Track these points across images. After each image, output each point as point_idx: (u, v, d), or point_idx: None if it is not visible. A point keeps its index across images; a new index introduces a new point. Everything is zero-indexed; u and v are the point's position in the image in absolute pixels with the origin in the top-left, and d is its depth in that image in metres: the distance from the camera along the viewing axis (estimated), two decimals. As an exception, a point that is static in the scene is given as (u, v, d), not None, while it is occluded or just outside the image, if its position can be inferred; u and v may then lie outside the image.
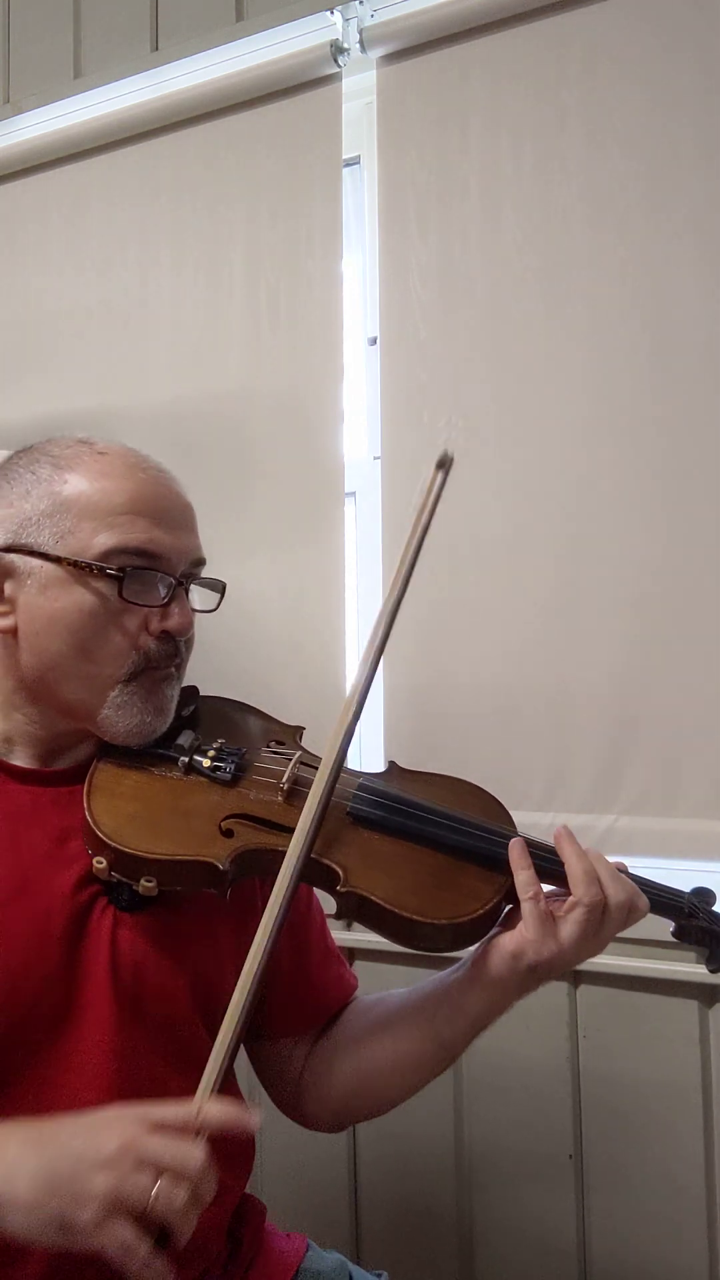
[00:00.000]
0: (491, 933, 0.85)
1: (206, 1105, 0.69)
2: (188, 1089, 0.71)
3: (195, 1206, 0.65)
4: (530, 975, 0.82)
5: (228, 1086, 0.90)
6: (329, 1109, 0.96)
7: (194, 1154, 0.65)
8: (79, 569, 0.82)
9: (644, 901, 0.84)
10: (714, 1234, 1.25)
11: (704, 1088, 1.26)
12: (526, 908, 0.81)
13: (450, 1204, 1.39)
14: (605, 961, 1.26)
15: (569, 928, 0.80)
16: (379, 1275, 1.00)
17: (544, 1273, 1.33)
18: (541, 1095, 1.34)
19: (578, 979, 1.32)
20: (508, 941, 0.82)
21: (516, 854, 0.83)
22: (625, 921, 0.83)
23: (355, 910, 0.82)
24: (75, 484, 0.83)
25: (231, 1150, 0.90)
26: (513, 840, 0.84)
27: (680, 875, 1.28)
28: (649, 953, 1.24)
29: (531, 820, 1.31)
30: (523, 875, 0.82)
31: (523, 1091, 1.35)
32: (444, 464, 0.86)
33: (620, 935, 0.84)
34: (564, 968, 0.82)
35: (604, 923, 0.81)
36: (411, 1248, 1.41)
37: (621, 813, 1.31)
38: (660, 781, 1.29)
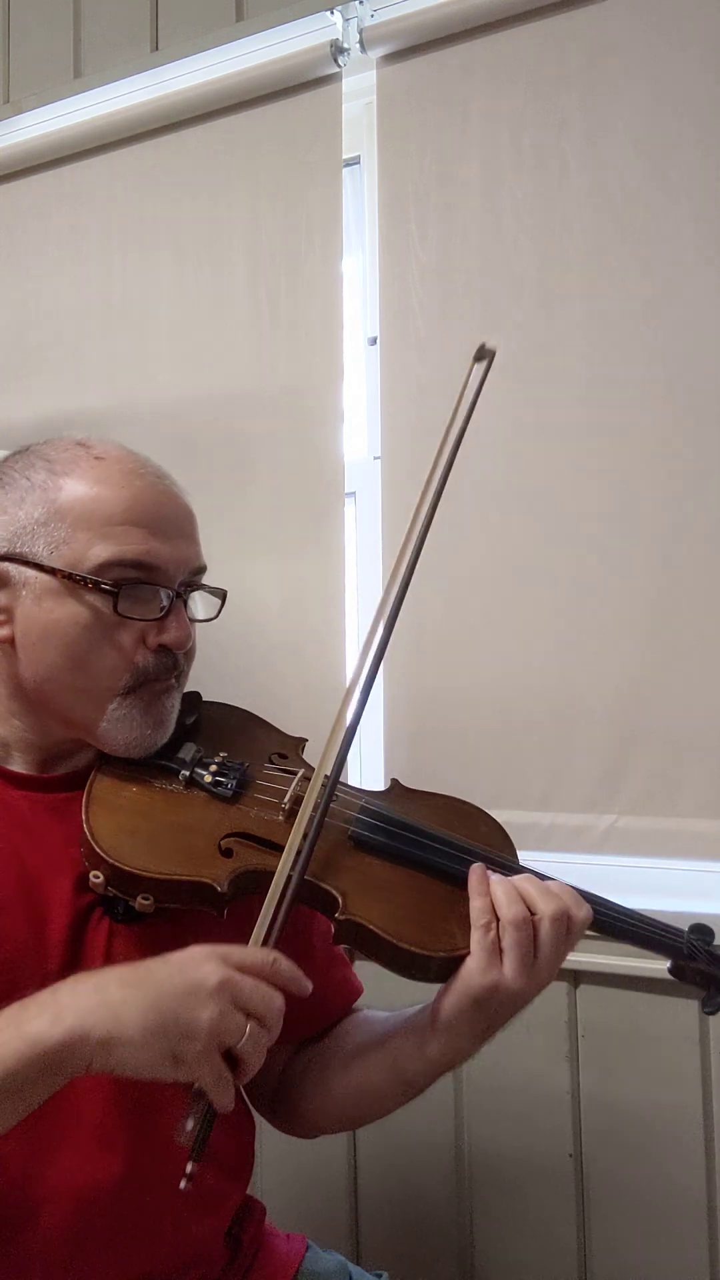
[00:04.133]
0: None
1: (277, 957, 0.73)
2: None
3: (265, 1051, 0.71)
4: (477, 1011, 0.78)
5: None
6: (298, 1118, 0.96)
7: (277, 1000, 0.71)
8: (73, 581, 0.80)
9: (583, 911, 0.80)
10: (714, 1234, 1.25)
11: (703, 1088, 1.26)
12: (475, 936, 0.78)
13: (450, 1203, 1.39)
14: (605, 961, 1.27)
15: (507, 954, 0.77)
16: (379, 1275, 1.00)
17: (544, 1272, 1.33)
18: (541, 1095, 1.34)
19: (577, 979, 1.32)
20: (455, 979, 0.79)
21: (475, 880, 0.81)
22: (567, 937, 0.79)
23: (352, 936, 0.81)
24: (71, 491, 0.82)
25: (231, 1158, 0.90)
26: (473, 866, 0.82)
27: (680, 875, 1.29)
28: (649, 952, 1.23)
29: (532, 820, 1.32)
30: (478, 902, 0.79)
31: (522, 1091, 1.35)
32: (483, 356, 0.82)
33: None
34: (511, 1004, 0.79)
35: (539, 942, 0.78)
36: (411, 1248, 1.41)
37: (621, 813, 1.31)
38: (660, 781, 1.29)
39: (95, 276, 1.67)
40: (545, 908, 0.78)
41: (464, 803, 0.94)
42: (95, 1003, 0.68)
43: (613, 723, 1.31)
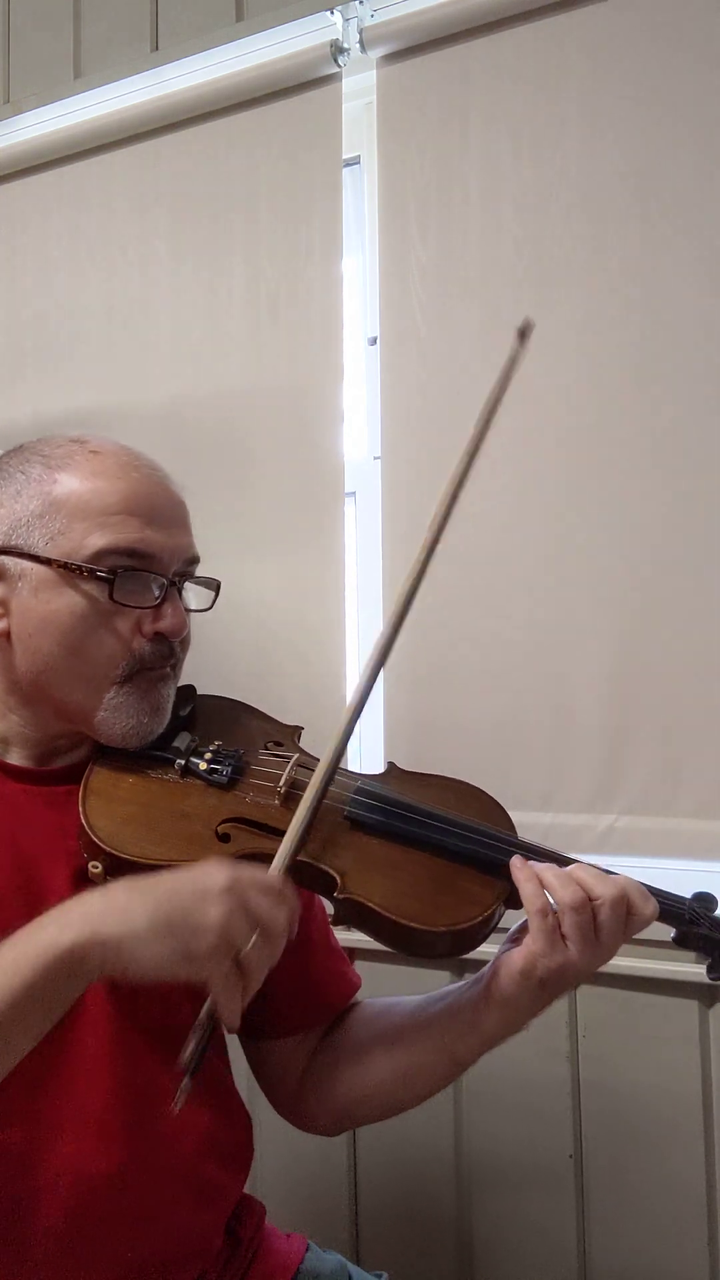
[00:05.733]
0: (502, 949, 0.84)
1: (287, 882, 0.75)
2: None
3: (267, 967, 0.71)
4: (541, 990, 0.80)
5: (215, 1073, 0.90)
6: (330, 1113, 0.96)
7: (282, 916, 0.71)
8: (69, 571, 0.81)
9: (650, 906, 0.81)
10: (714, 1234, 1.25)
11: (704, 1088, 1.26)
12: (534, 922, 0.79)
13: (450, 1204, 1.39)
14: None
15: (570, 939, 0.78)
16: (379, 1276, 1.00)
17: (544, 1272, 1.33)
18: (541, 1095, 1.34)
19: (578, 979, 1.32)
20: (517, 958, 0.80)
21: (517, 866, 0.82)
22: (628, 922, 0.80)
23: (353, 916, 0.82)
24: (67, 483, 0.83)
25: (230, 1150, 0.90)
26: (513, 859, 0.82)
27: (681, 875, 1.28)
28: (649, 953, 1.23)
29: (531, 820, 1.32)
30: (528, 888, 0.80)
31: (523, 1091, 1.35)
32: (525, 331, 0.87)
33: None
34: (575, 980, 0.81)
35: (599, 924, 0.79)
36: (411, 1248, 1.41)
37: (621, 813, 1.31)
38: (660, 781, 1.29)
39: (95, 276, 1.67)
40: (605, 891, 0.79)
41: (460, 781, 0.94)
42: (103, 907, 0.70)
43: (612, 722, 1.31)
